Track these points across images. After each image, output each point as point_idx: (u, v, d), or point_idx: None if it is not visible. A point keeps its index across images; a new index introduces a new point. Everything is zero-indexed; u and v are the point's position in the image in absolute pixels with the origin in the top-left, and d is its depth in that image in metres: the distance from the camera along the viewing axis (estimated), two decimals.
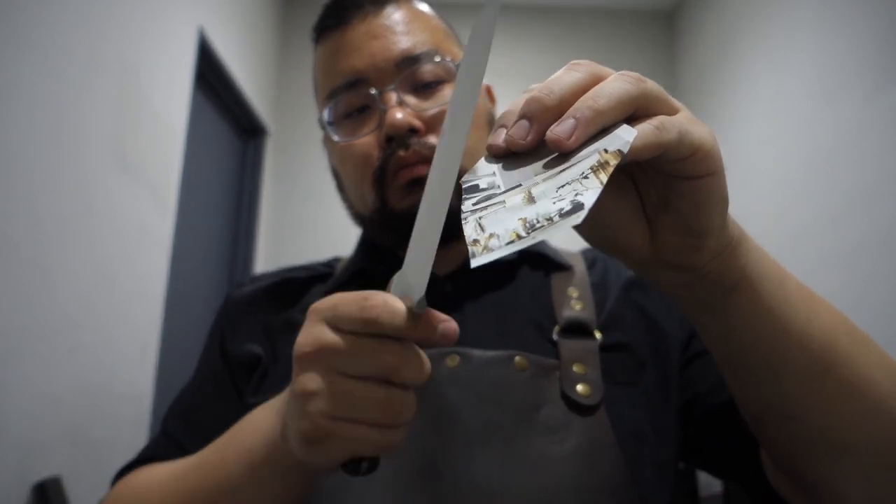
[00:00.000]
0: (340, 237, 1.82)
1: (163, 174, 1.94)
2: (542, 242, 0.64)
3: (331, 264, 0.68)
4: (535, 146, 0.29)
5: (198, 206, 2.36)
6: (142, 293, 1.81)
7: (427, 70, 0.56)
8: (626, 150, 0.26)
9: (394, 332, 0.31)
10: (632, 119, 0.29)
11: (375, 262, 0.62)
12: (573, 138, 0.27)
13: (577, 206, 0.25)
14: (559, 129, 0.28)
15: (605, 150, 0.27)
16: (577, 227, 0.34)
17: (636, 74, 0.30)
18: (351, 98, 0.57)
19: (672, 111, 0.30)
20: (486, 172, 0.30)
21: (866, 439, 0.38)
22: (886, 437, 0.37)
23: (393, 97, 0.55)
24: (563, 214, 0.25)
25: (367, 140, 0.56)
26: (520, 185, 0.28)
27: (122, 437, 1.70)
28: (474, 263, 0.26)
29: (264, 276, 0.68)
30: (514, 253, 0.61)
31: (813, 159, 2.10)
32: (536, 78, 0.39)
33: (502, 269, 0.60)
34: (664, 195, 0.32)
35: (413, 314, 0.31)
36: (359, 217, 0.62)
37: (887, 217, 1.73)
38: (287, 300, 0.62)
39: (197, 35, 2.17)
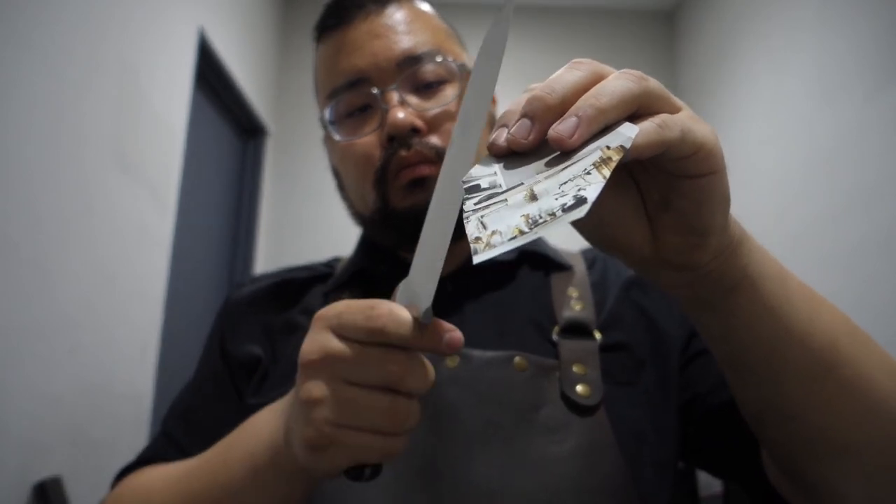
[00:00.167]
0: (340, 237, 1.82)
1: (163, 174, 1.93)
2: (543, 243, 0.64)
3: (331, 264, 0.68)
4: (536, 145, 0.29)
5: (198, 206, 2.36)
6: (142, 293, 1.81)
7: (429, 70, 0.56)
8: (628, 145, 0.26)
9: (399, 342, 0.31)
10: (634, 117, 0.29)
11: (376, 262, 0.62)
12: (575, 136, 0.27)
13: (581, 201, 0.25)
14: (561, 128, 0.28)
15: (608, 147, 0.27)
16: (579, 226, 0.34)
17: (638, 73, 0.30)
18: (352, 97, 0.57)
19: (674, 109, 0.30)
20: (488, 172, 0.30)
21: (867, 439, 0.38)
22: (887, 437, 0.37)
23: (394, 97, 0.55)
24: (567, 209, 0.25)
25: (368, 139, 0.56)
26: (522, 183, 0.28)
27: (122, 437, 1.70)
28: (477, 260, 0.26)
29: (264, 276, 0.68)
30: (515, 253, 0.60)
31: (813, 159, 2.10)
32: (536, 78, 0.39)
33: (502, 270, 0.60)
34: (665, 194, 0.32)
35: (419, 323, 0.30)
36: (359, 217, 0.62)
37: (887, 217, 1.73)
38: (287, 301, 0.62)
39: (197, 35, 2.17)
